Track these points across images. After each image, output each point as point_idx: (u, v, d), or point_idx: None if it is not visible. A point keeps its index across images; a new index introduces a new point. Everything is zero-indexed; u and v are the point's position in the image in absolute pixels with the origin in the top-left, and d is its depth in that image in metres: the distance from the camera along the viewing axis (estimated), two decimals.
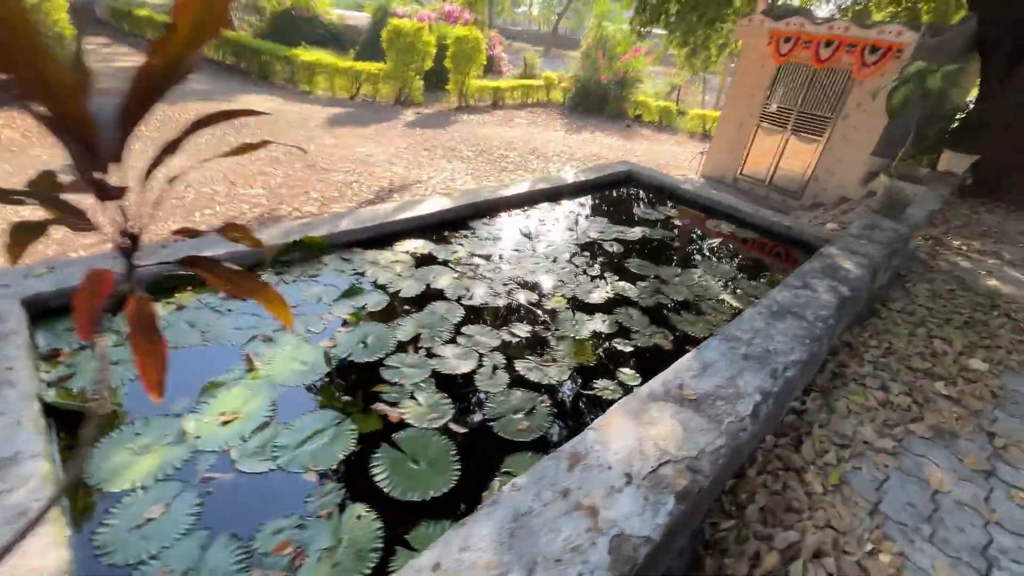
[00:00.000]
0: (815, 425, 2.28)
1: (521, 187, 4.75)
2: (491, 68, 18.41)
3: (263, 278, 2.87)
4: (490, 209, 4.39)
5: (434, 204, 4.05)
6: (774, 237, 4.96)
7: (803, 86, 8.13)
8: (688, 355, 2.09)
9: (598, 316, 3.13)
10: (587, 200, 5.24)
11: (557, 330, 2.95)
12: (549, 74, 16.69)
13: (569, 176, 5.29)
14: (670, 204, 5.51)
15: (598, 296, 3.35)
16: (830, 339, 2.63)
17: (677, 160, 12.40)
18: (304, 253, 3.27)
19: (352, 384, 2.39)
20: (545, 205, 4.78)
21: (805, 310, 2.55)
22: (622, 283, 3.57)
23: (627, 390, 2.54)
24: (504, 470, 2.04)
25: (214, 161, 7.91)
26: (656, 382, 1.90)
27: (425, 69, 13.64)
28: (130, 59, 14.01)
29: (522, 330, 2.90)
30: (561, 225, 4.43)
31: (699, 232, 4.89)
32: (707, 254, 4.36)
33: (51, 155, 7.11)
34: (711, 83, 25.21)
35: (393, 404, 2.29)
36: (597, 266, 3.77)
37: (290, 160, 8.49)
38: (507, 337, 2.82)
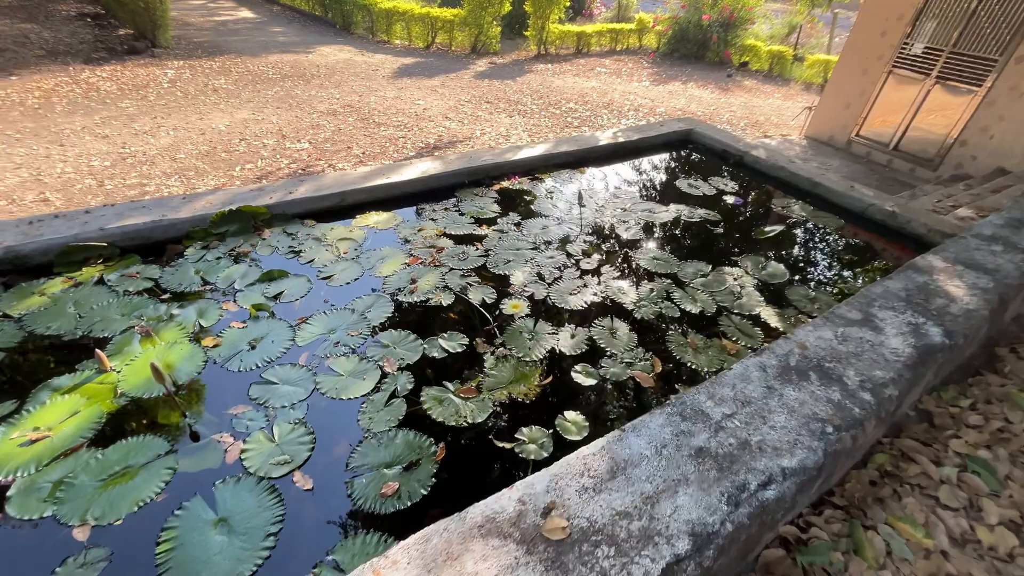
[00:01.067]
0: None
1: (535, 149, 3.90)
2: (580, 11, 16.75)
3: (188, 252, 2.53)
4: (489, 175, 3.62)
5: (416, 169, 3.38)
6: (869, 226, 3.67)
7: (962, 17, 6.08)
8: (599, 442, 1.28)
9: (567, 329, 2.34)
10: (623, 166, 4.25)
11: (503, 346, 2.22)
12: (643, 16, 14.79)
13: (604, 136, 4.31)
14: (732, 174, 4.33)
15: (579, 300, 2.53)
16: (886, 417, 1.61)
17: (781, 116, 10.41)
18: (240, 224, 2.81)
19: (200, 402, 1.90)
20: (565, 173, 3.90)
21: (847, 368, 1.57)
22: (620, 282, 2.70)
23: (562, 446, 1.79)
24: (329, 556, 1.45)
25: (273, 114, 7.84)
26: (505, 497, 1.15)
27: (503, 14, 12.60)
28: (231, 13, 14.48)
29: (456, 342, 2.21)
30: (572, 199, 3.56)
31: (761, 213, 3.74)
32: (761, 247, 3.27)
33: (137, 106, 7.40)
34: (844, 20, 21.04)
35: (240, 435, 1.77)
36: (596, 257, 2.92)
37: (347, 113, 8.19)
38: (433, 351, 2.16)
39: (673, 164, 4.38)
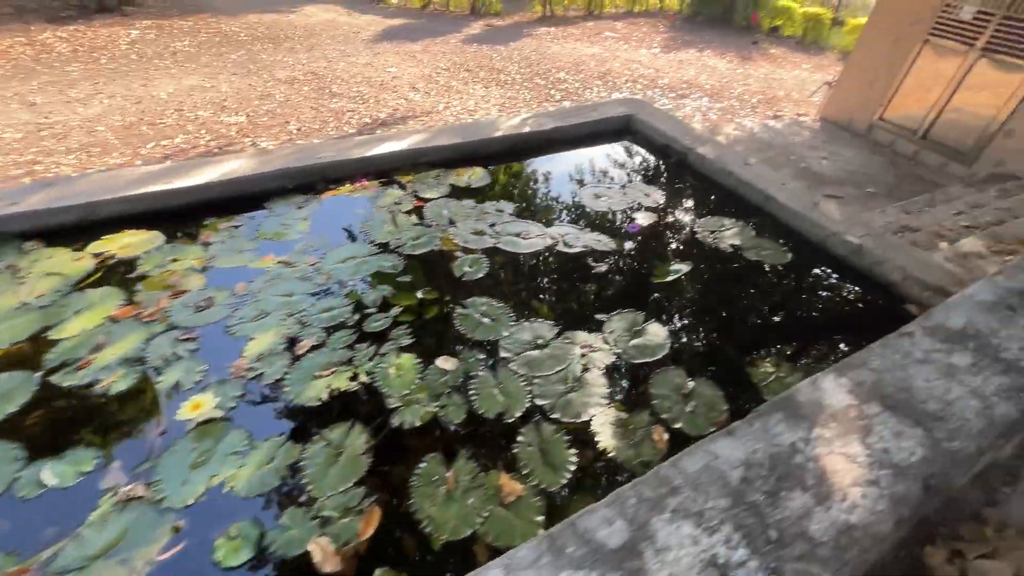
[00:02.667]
0: None
1: (401, 141, 2.96)
2: None
3: None
4: (324, 177, 2.74)
5: (219, 169, 2.53)
6: (829, 265, 2.60)
7: None
8: None
9: (259, 450, 1.52)
10: (525, 166, 3.26)
11: (147, 487, 1.43)
12: None
13: (509, 124, 3.30)
14: (669, 178, 3.26)
15: (317, 390, 1.69)
16: None
17: (804, 91, 8.83)
18: None
19: None
20: (435, 175, 2.95)
21: None
22: (402, 357, 1.83)
23: None
24: None
25: (225, 82, 7.06)
26: None
27: None
28: None
29: (75, 467, 1.43)
30: (430, 212, 2.63)
31: (681, 239, 2.71)
32: (653, 296, 2.29)
33: (84, 70, 6.75)
34: None
35: None
36: (393, 312, 2.04)
37: (306, 81, 7.32)
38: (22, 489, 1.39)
39: (594, 163, 3.34)
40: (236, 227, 2.35)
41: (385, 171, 2.88)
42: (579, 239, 2.52)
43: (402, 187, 2.78)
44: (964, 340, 1.46)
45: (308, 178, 2.68)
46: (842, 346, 2.14)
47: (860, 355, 1.46)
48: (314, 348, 1.82)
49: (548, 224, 2.61)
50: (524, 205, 2.79)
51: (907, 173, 5.66)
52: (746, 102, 8.31)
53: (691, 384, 1.84)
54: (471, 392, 1.73)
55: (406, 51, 9.06)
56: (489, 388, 1.75)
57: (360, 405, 1.65)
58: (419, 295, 2.10)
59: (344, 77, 7.66)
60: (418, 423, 1.60)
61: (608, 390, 1.79)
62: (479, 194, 2.82)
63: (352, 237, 2.39)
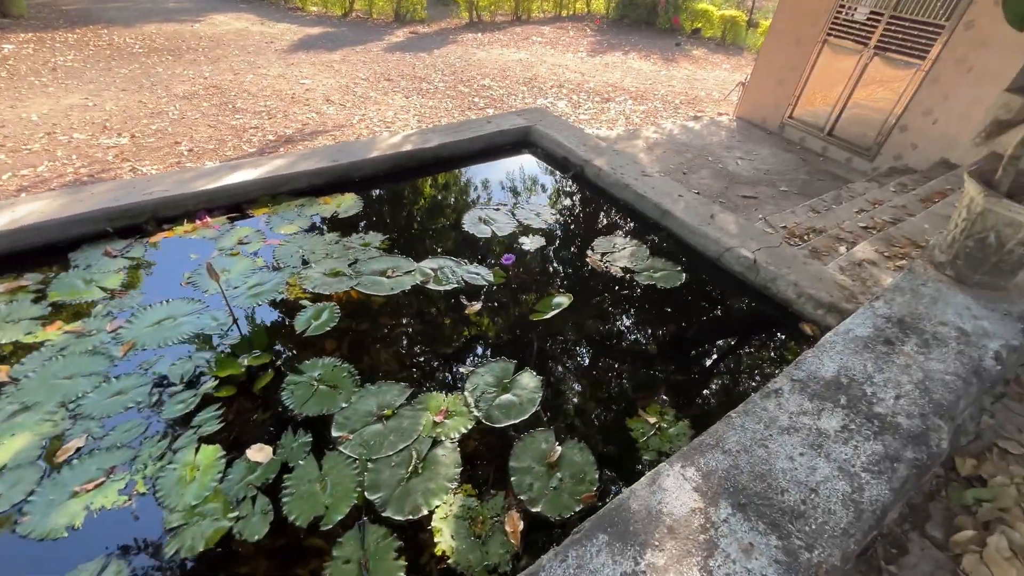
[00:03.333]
0: None
1: (257, 168, 2.54)
2: None
3: None
4: (155, 216, 2.29)
5: (16, 211, 2.04)
6: (726, 283, 2.39)
7: None
8: None
9: None
10: (407, 188, 2.91)
11: None
12: None
13: (389, 143, 2.94)
14: (565, 194, 3.01)
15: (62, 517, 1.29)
16: None
17: (724, 91, 8.92)
18: None
19: None
20: (300, 203, 2.56)
21: None
22: (202, 452, 1.44)
23: None
24: None
25: (112, 99, 6.32)
26: None
27: None
28: None
29: None
30: (288, 253, 2.24)
31: (565, 262, 2.44)
32: (542, 335, 2.01)
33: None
34: None
35: None
36: (193, 391, 1.65)
37: (207, 96, 6.67)
38: None
39: (487, 182, 3.03)
40: (20, 287, 1.88)
41: (238, 204, 2.46)
42: (455, 274, 2.20)
43: (253, 223, 2.37)
44: (836, 392, 1.23)
45: (134, 219, 2.22)
46: (736, 380, 1.91)
47: (717, 428, 1.20)
48: (82, 451, 1.41)
49: (421, 257, 2.27)
50: (396, 236, 2.44)
51: (817, 169, 5.70)
52: (669, 103, 8.29)
53: (558, 450, 1.55)
54: (284, 492, 1.37)
55: (323, 61, 8.52)
56: (308, 484, 1.39)
57: (126, 530, 1.26)
58: (243, 362, 1.71)
59: (252, 91, 7.06)
60: (201, 547, 1.23)
61: (459, 469, 1.47)
62: (346, 225, 2.45)
63: (175, 292, 1.97)
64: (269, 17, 10.45)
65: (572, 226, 2.69)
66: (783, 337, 2.14)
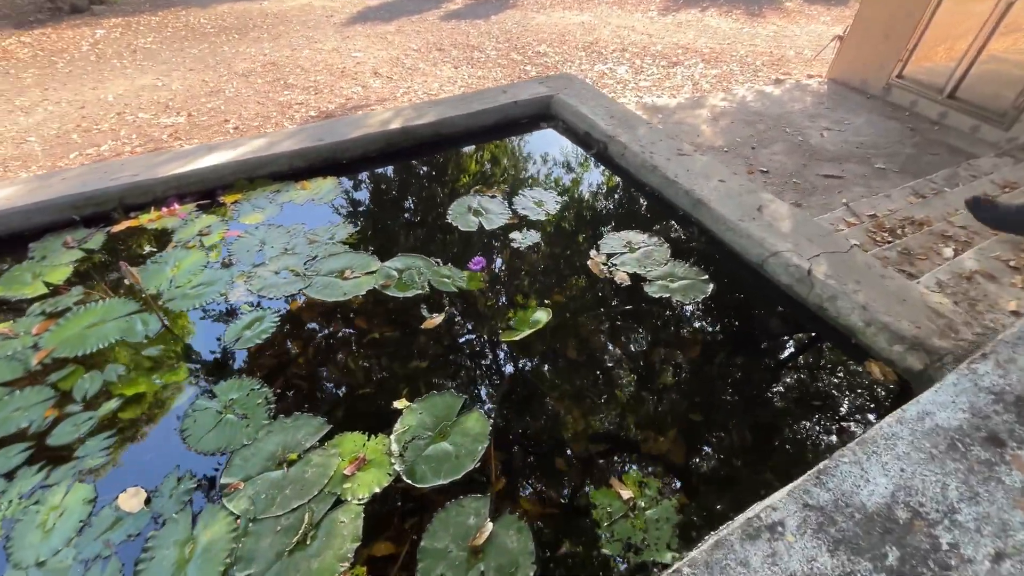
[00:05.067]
0: None
1: (231, 151, 2.31)
2: None
3: None
4: (123, 203, 2.12)
5: None
6: (771, 298, 1.81)
7: None
8: None
9: None
10: (402, 170, 2.55)
11: None
12: None
13: (384, 118, 2.58)
14: (580, 178, 2.49)
15: None
16: None
17: (817, 49, 7.59)
18: None
19: None
20: (276, 188, 2.30)
21: None
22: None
23: None
24: None
25: (179, 79, 6.55)
26: None
27: None
28: None
29: None
30: (236, 246, 2.00)
31: (554, 275, 1.96)
32: (506, 363, 1.60)
33: (39, 75, 6.39)
34: None
35: None
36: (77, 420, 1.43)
37: (263, 72, 6.72)
38: None
39: (494, 162, 2.59)
40: None
41: (212, 189, 2.24)
42: (422, 276, 1.83)
43: (222, 210, 2.15)
44: (882, 541, 0.70)
45: (100, 206, 2.07)
46: (758, 443, 1.39)
47: None
48: None
49: (390, 255, 1.92)
50: (368, 228, 2.10)
51: (930, 140, 4.56)
52: (748, 65, 7.17)
53: (488, 528, 1.16)
54: (141, 558, 1.12)
55: (378, 33, 8.29)
56: (172, 548, 1.13)
57: None
58: (157, 380, 1.48)
59: (305, 66, 7.00)
60: None
61: (356, 545, 1.14)
62: (319, 214, 2.15)
63: (115, 290, 1.79)
64: None
65: (579, 219, 2.20)
66: (838, 382, 1.56)
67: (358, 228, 2.07)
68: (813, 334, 1.68)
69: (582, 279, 1.86)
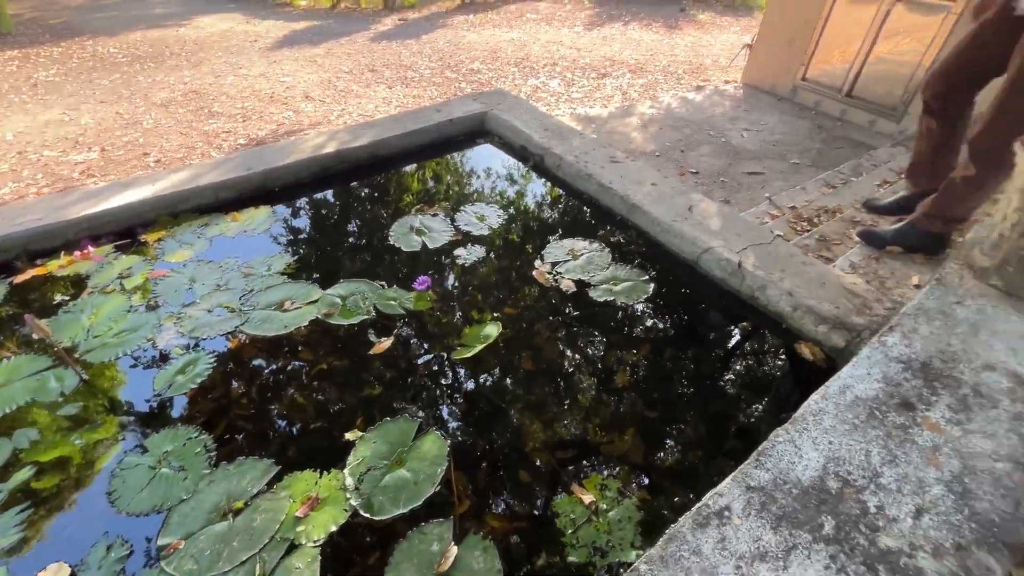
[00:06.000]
0: None
1: (149, 186, 2.17)
2: None
3: None
4: (27, 250, 1.95)
5: None
6: (707, 293, 1.91)
7: None
8: None
9: None
10: (338, 195, 2.50)
11: None
12: None
13: (310, 143, 2.52)
14: (520, 191, 2.54)
15: None
16: None
17: (731, 57, 8.15)
18: None
19: None
20: (204, 221, 2.18)
21: None
22: None
23: None
24: None
25: (89, 112, 6.10)
26: None
27: None
28: None
29: None
30: (161, 287, 1.87)
31: (502, 289, 1.99)
32: (459, 381, 1.59)
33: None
34: None
35: None
36: None
37: (185, 102, 6.38)
38: None
39: (431, 180, 2.59)
40: None
41: (131, 228, 2.10)
42: (367, 301, 1.79)
43: (144, 250, 2.01)
44: (818, 511, 0.75)
45: (3, 254, 1.89)
46: (710, 430, 1.45)
47: None
48: None
49: (332, 282, 1.86)
50: (307, 256, 2.04)
51: (835, 136, 5.00)
52: (671, 74, 7.59)
53: (453, 552, 1.14)
54: None
55: (307, 56, 8.13)
56: None
57: None
58: (77, 440, 1.35)
59: (231, 93, 6.74)
60: None
61: None
62: (253, 246, 2.06)
63: (23, 347, 1.62)
64: (255, 15, 10.09)
65: (522, 231, 2.23)
66: (775, 365, 1.66)
67: (297, 257, 2.00)
68: (749, 323, 1.79)
69: (529, 289, 1.89)
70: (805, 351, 1.63)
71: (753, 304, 1.78)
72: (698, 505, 0.79)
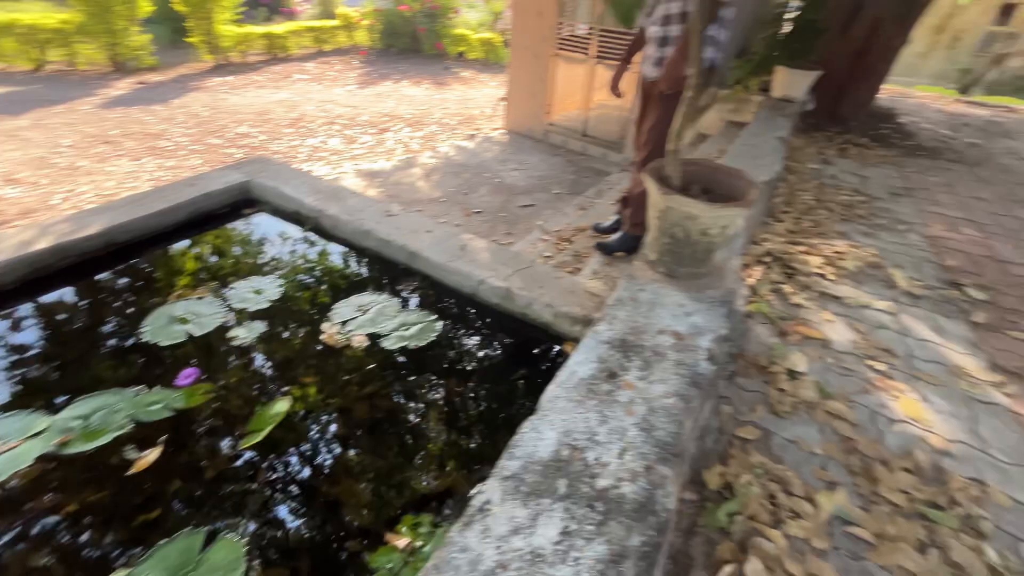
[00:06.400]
0: None
1: None
2: (277, 9, 13.71)
3: None
4: None
5: None
6: (491, 320, 2.16)
7: None
8: None
9: None
10: (60, 301, 2.10)
11: None
12: (345, 11, 12.50)
13: (14, 240, 2.06)
14: (299, 256, 2.50)
15: None
16: None
17: (495, 108, 9.24)
18: None
19: None
20: None
21: None
22: None
23: None
24: None
25: None
26: None
27: (144, 15, 9.15)
28: None
29: None
30: None
31: (291, 361, 1.95)
32: (253, 469, 1.48)
33: None
34: None
35: None
36: None
37: None
38: None
39: (192, 263, 2.36)
40: None
41: None
42: (119, 413, 1.53)
43: None
44: (556, 477, 0.97)
45: None
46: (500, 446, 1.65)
47: None
48: None
49: (65, 403, 1.54)
50: (21, 380, 1.65)
51: (582, 168, 6.13)
52: (447, 125, 8.27)
53: None
54: None
55: (4, 130, 6.53)
56: None
57: None
58: None
59: None
60: None
61: None
62: None
63: None
64: None
65: (306, 296, 2.20)
66: (551, 367, 1.97)
67: (19, 383, 1.61)
68: (526, 337, 2.08)
69: (319, 354, 1.87)
70: (568, 349, 1.98)
71: (525, 319, 2.08)
72: (466, 510, 0.92)
